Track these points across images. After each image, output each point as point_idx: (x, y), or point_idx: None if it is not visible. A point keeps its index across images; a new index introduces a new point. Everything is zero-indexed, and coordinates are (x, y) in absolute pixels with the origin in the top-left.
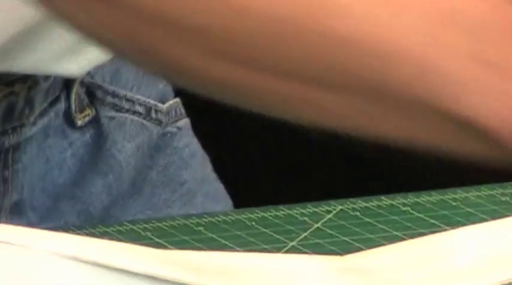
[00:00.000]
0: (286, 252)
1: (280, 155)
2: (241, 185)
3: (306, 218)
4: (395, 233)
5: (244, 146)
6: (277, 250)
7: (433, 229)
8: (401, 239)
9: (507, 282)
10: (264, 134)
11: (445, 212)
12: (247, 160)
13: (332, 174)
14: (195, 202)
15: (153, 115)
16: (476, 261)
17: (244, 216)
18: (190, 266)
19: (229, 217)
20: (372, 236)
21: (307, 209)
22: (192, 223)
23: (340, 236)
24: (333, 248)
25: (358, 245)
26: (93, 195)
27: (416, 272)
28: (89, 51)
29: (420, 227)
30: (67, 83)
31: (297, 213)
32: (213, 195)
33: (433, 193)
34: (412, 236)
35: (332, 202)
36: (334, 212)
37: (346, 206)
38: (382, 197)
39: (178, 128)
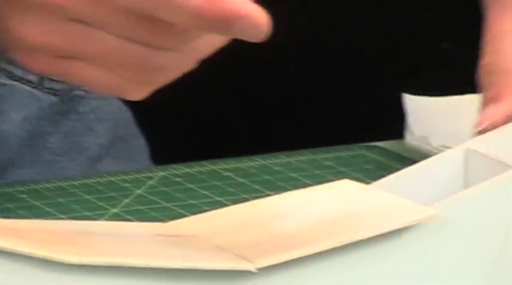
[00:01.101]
0: (109, 219)
1: None
2: None
3: (128, 185)
4: (218, 198)
5: None
6: (100, 217)
7: (256, 194)
8: (224, 205)
9: (331, 247)
10: None
11: (267, 177)
12: None
13: (156, 140)
14: (98, 167)
15: (46, 84)
16: (299, 227)
17: (66, 183)
18: (15, 234)
19: (52, 184)
20: (194, 202)
21: (129, 176)
22: (15, 191)
23: (162, 202)
24: (155, 214)
25: (180, 211)
26: None
27: (239, 238)
28: None
29: (243, 193)
30: None
31: (118, 179)
32: (127, 156)
33: (255, 158)
34: (235, 202)
35: (153, 168)
36: (156, 178)
37: (167, 172)
38: (204, 163)
39: (86, 91)
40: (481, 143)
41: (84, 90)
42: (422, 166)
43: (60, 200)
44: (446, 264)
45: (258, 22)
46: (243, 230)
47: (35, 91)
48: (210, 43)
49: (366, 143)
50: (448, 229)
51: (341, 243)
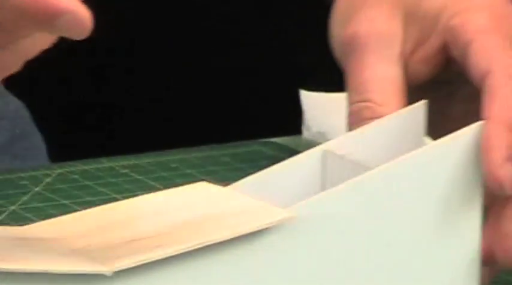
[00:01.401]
0: (8, 216)
1: None
2: None
3: (25, 182)
4: (114, 195)
5: None
6: None
7: (153, 191)
8: None
9: (186, 249)
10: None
11: (164, 174)
12: None
13: (53, 138)
14: None
15: None
16: (158, 229)
17: None
18: None
19: None
20: (91, 199)
21: (26, 173)
22: None
23: (60, 199)
24: (53, 211)
25: (77, 208)
26: None
27: (97, 240)
28: None
29: (140, 189)
30: None
31: (16, 177)
32: (25, 154)
33: (152, 154)
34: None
35: (51, 166)
36: (53, 175)
37: (65, 169)
38: (101, 160)
39: None
40: (337, 145)
41: None
42: (281, 167)
43: None
44: (308, 266)
45: (81, 18)
46: (102, 232)
47: None
48: (38, 42)
49: (263, 140)
50: (306, 231)
51: (197, 246)
